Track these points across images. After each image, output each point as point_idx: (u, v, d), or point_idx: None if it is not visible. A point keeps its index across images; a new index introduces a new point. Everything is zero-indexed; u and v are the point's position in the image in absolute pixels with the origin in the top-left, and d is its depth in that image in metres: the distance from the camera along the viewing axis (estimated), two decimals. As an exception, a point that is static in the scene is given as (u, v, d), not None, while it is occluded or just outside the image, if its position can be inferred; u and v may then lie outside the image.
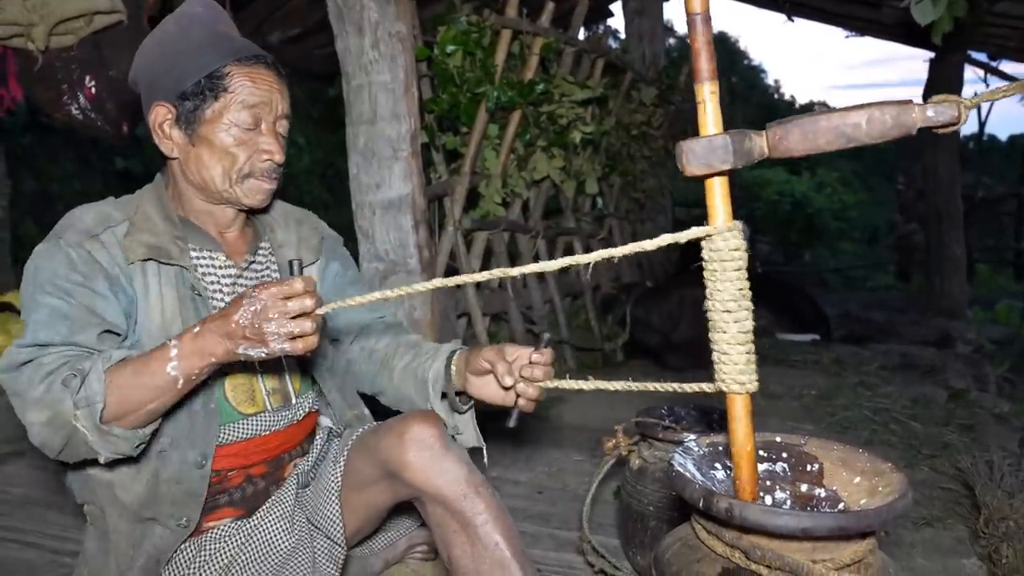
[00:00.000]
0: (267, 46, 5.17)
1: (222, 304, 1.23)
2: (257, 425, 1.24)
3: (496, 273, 1.04)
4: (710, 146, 0.85)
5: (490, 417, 1.35)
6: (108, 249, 1.14)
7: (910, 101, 0.83)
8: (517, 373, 1.17)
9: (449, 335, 2.89)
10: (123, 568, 1.17)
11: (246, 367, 1.23)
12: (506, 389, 1.20)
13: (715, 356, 0.92)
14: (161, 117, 1.18)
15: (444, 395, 1.31)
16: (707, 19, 0.85)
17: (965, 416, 2.83)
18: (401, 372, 1.36)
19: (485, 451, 1.33)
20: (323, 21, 2.79)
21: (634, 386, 1.06)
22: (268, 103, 1.19)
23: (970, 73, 6.01)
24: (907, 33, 4.92)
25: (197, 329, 1.01)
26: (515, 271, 1.02)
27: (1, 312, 3.14)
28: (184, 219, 1.24)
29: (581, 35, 3.90)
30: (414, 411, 1.21)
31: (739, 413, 0.93)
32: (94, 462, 1.08)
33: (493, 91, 2.86)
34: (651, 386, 1.06)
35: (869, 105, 0.84)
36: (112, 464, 1.11)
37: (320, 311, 1.02)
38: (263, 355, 1.00)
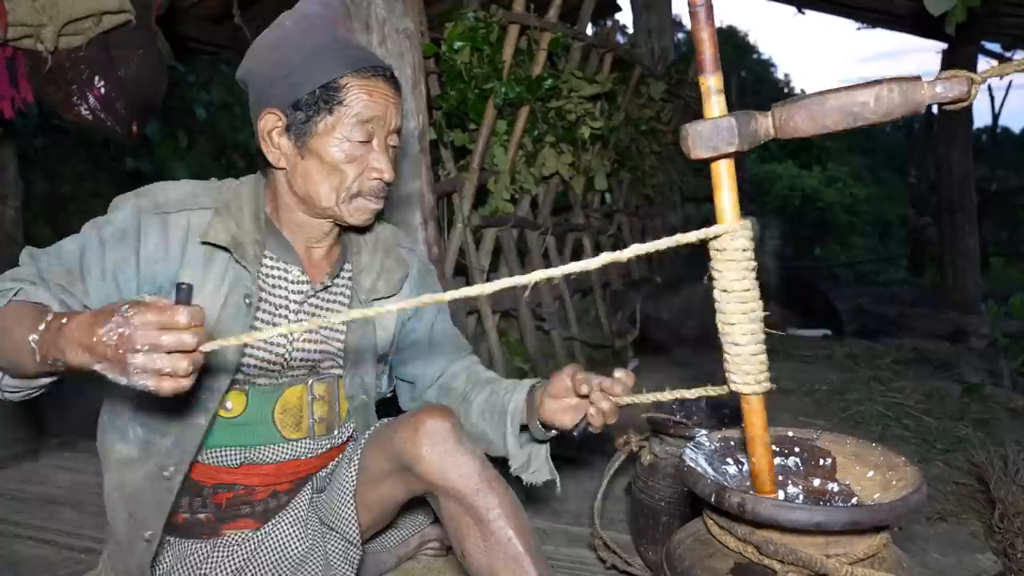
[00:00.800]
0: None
1: (277, 321, 1.20)
2: (297, 450, 1.24)
3: (516, 280, 1.00)
4: (716, 128, 0.83)
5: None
6: (168, 231, 1.12)
7: (919, 77, 0.80)
8: (595, 386, 1.17)
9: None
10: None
11: (300, 396, 1.23)
12: (581, 397, 1.19)
13: (726, 358, 0.90)
14: (271, 125, 1.15)
15: (523, 428, 1.30)
16: (710, 9, 0.83)
17: (979, 411, 2.81)
18: (479, 407, 1.34)
19: (558, 482, 1.33)
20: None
21: (691, 393, 1.07)
22: (383, 118, 1.15)
23: (984, 64, 5.93)
24: (920, 24, 4.88)
25: (65, 320, 0.90)
26: (536, 275, 0.97)
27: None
28: (271, 224, 1.21)
29: (589, 30, 3.89)
30: (428, 405, 1.20)
31: (753, 413, 0.91)
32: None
33: (501, 87, 2.86)
34: (678, 394, 1.09)
35: (877, 82, 0.81)
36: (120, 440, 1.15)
37: (204, 348, 0.88)
38: (123, 383, 0.86)
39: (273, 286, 1.20)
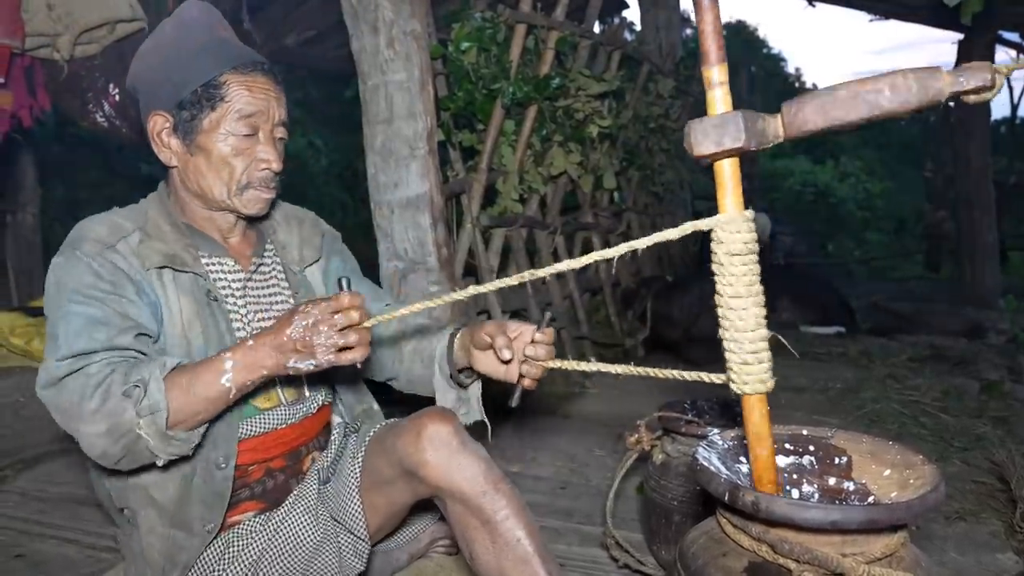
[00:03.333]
0: (283, 49, 5.22)
1: (236, 309, 1.24)
2: (273, 419, 1.26)
3: (525, 275, 1.01)
4: (721, 123, 0.81)
5: (501, 409, 1.35)
6: (126, 259, 1.15)
7: (938, 68, 0.77)
8: (520, 351, 1.20)
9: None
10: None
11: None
12: (505, 363, 1.22)
13: (726, 355, 0.89)
14: (159, 126, 1.19)
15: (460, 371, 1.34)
16: (715, 2, 0.82)
17: (998, 408, 2.77)
18: (410, 354, 1.40)
19: (489, 428, 1.35)
20: (338, 22, 2.80)
21: (636, 370, 1.06)
22: (265, 112, 1.19)
23: (1001, 55, 5.86)
24: (934, 15, 4.82)
25: (251, 343, 1.05)
26: (544, 271, 1.00)
27: (34, 317, 3.20)
28: (190, 226, 1.25)
29: (596, 28, 3.88)
30: (430, 409, 1.21)
31: (754, 413, 0.90)
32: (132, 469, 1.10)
33: (508, 87, 2.86)
34: (652, 371, 1.06)
35: (892, 73, 0.77)
36: (147, 467, 1.11)
37: (367, 324, 1.06)
38: (311, 367, 1.04)
39: (217, 279, 1.24)
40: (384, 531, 1.32)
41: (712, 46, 0.82)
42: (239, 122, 1.17)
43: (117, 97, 2.93)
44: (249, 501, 1.25)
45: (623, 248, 0.92)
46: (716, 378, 0.94)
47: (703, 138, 0.82)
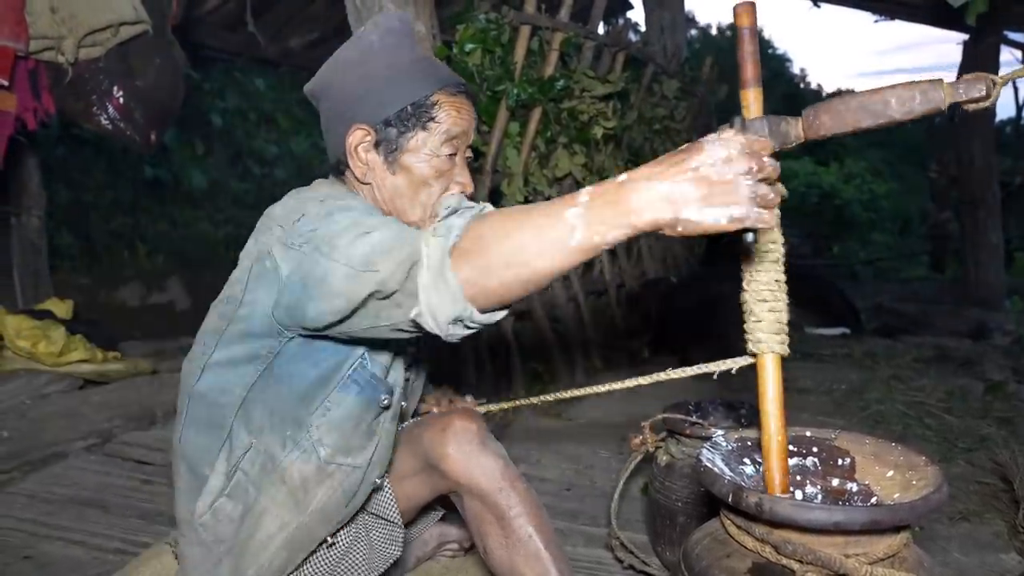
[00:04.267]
0: (287, 51, 5.25)
1: None
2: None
3: None
4: (748, 127, 0.88)
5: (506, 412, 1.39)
6: None
7: (940, 80, 0.85)
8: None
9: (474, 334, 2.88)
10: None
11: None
12: None
13: (748, 319, 0.99)
14: (359, 140, 1.16)
15: None
16: (754, 32, 0.92)
17: (1003, 409, 2.77)
18: None
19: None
20: (342, 24, 2.81)
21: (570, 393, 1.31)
22: (467, 133, 1.18)
23: (1007, 55, 5.85)
24: (939, 15, 4.80)
25: (622, 177, 0.77)
26: None
27: (42, 319, 3.22)
28: None
29: (601, 29, 3.88)
30: (457, 408, 1.24)
31: (770, 375, 0.97)
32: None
33: (513, 88, 2.86)
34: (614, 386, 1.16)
35: (899, 85, 0.86)
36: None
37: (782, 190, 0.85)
38: (729, 220, 0.73)
39: None
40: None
41: (750, 71, 0.94)
42: (445, 144, 1.15)
43: (121, 99, 2.94)
44: None
45: None
46: (742, 361, 1.03)
47: None
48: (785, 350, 0.97)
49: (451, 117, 1.15)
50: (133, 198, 5.94)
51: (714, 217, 0.73)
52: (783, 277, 0.99)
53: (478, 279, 0.81)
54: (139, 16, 2.78)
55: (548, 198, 3.42)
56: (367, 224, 0.94)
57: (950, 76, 0.91)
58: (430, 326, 0.86)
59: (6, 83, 2.65)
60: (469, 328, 0.87)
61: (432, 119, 1.14)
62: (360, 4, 2.51)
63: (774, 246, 0.98)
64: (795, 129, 0.91)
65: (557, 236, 0.77)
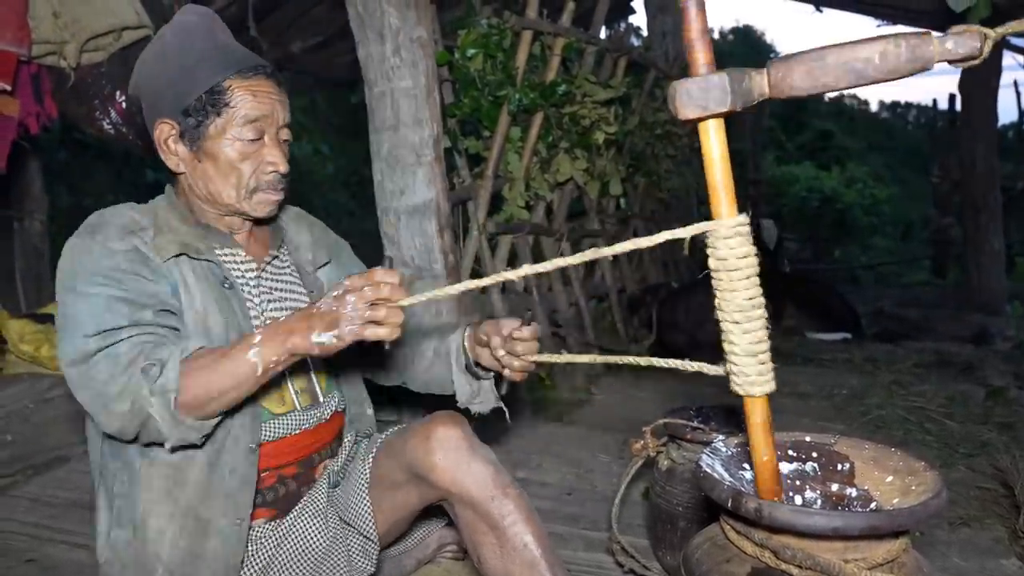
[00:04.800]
0: (289, 55, 5.25)
1: (250, 298, 1.25)
2: (287, 425, 1.26)
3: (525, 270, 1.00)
4: (706, 85, 0.78)
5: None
6: (145, 246, 1.16)
7: (928, 32, 0.76)
8: (502, 347, 1.27)
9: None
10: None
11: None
12: (498, 359, 1.29)
13: (727, 356, 0.89)
14: (165, 134, 1.20)
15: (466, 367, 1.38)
16: (702, 6, 0.80)
17: (1004, 414, 2.76)
18: (432, 357, 1.44)
19: (507, 412, 1.40)
20: (344, 29, 2.82)
21: (617, 359, 1.15)
22: (270, 115, 1.20)
23: (1009, 59, 5.84)
24: (941, 20, 4.80)
25: (281, 320, 1.07)
26: (542, 267, 1.00)
27: (43, 323, 3.22)
28: (199, 222, 1.26)
29: (603, 34, 3.89)
30: (439, 413, 1.22)
31: (755, 415, 0.90)
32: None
33: (515, 94, 2.87)
34: (634, 359, 1.14)
35: (882, 38, 0.76)
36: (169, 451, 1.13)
37: (402, 302, 1.03)
38: (334, 341, 1.01)
39: (231, 269, 1.25)
40: (392, 536, 1.33)
41: (700, 56, 0.81)
42: (245, 127, 1.18)
43: (123, 104, 2.94)
44: (260, 508, 1.25)
45: (617, 248, 0.93)
46: (714, 369, 0.94)
47: (688, 100, 0.80)
48: (768, 389, 0.87)
49: (247, 101, 1.17)
50: (135, 201, 5.94)
51: (327, 339, 1.01)
52: (760, 301, 0.87)
53: (201, 413, 1.06)
54: (141, 21, 2.79)
55: (549, 203, 3.44)
56: (109, 350, 1.06)
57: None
58: (180, 444, 1.09)
59: (9, 88, 2.65)
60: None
61: (227, 104, 1.17)
62: (362, 9, 2.52)
63: (744, 261, 0.85)
64: (759, 84, 0.80)
65: (245, 374, 1.04)
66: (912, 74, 0.76)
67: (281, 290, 1.31)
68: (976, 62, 0.76)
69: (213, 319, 1.17)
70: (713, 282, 0.87)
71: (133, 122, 2.97)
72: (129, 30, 2.80)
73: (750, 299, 0.86)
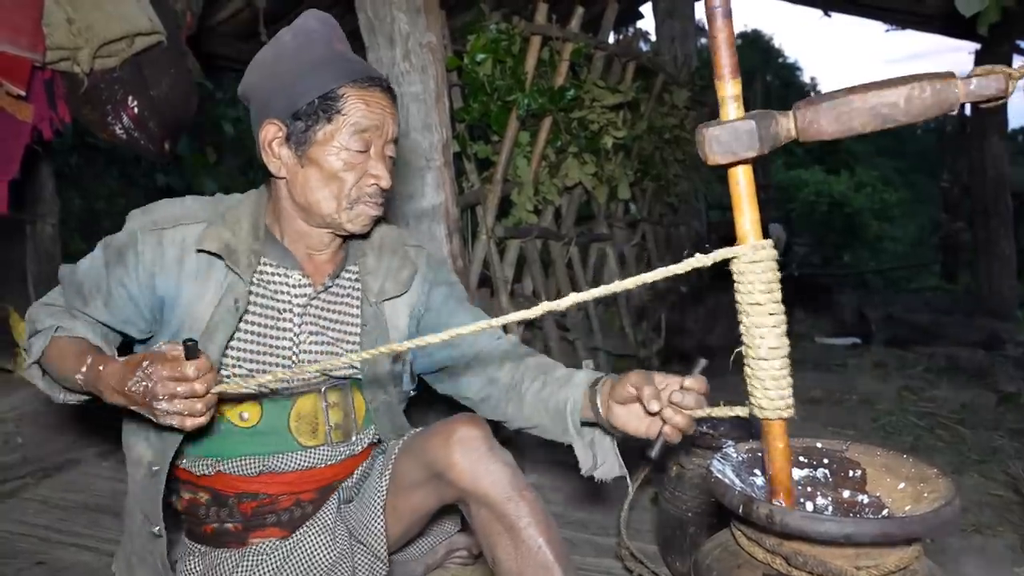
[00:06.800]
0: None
1: (280, 323, 1.22)
2: (315, 457, 1.25)
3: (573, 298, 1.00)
4: (735, 132, 0.80)
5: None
6: (163, 246, 1.17)
7: (952, 74, 0.77)
8: (666, 400, 1.08)
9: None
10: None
11: (314, 403, 1.25)
12: (651, 415, 1.10)
13: (748, 379, 0.89)
14: (271, 135, 1.17)
15: (584, 423, 1.26)
16: (728, 13, 0.81)
17: (1016, 420, 2.75)
18: (533, 400, 1.30)
19: (629, 479, 1.28)
20: (354, 34, 2.83)
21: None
22: (380, 127, 1.18)
23: (1019, 63, 5.81)
24: (951, 25, 4.79)
25: (101, 368, 1.07)
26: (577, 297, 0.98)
27: (52, 325, 3.25)
28: (269, 232, 1.23)
29: (611, 38, 3.89)
30: (460, 414, 1.22)
31: (775, 438, 0.90)
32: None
33: (523, 98, 2.87)
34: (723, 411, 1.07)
35: (907, 79, 0.77)
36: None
37: (215, 391, 1.04)
38: (156, 421, 1.04)
39: (274, 291, 1.22)
40: (405, 539, 1.33)
41: (725, 59, 0.81)
42: (353, 136, 1.15)
43: (135, 109, 2.97)
44: (274, 527, 1.26)
45: (650, 276, 0.92)
46: (740, 411, 0.94)
47: (717, 147, 0.82)
48: (788, 414, 0.88)
49: (359, 110, 1.15)
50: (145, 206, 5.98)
51: (149, 416, 1.04)
52: (784, 338, 0.87)
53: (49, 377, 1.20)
54: (154, 27, 2.81)
55: (558, 207, 3.44)
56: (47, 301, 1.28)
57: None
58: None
59: (23, 93, 2.68)
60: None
61: (338, 111, 1.14)
62: (372, 15, 2.54)
63: (769, 296, 0.85)
64: (786, 128, 0.81)
65: (74, 384, 1.13)
66: (939, 115, 0.77)
67: (329, 320, 1.26)
68: (1001, 102, 0.77)
69: (199, 327, 1.17)
70: (737, 306, 0.88)
71: (145, 127, 2.99)
72: (142, 36, 2.82)
73: (773, 325, 0.86)
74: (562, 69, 3.11)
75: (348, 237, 1.27)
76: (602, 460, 1.27)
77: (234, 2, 4.39)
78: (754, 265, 0.85)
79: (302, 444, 1.23)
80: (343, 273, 1.29)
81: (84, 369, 1.09)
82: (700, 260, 0.87)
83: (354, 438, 1.29)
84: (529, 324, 3.25)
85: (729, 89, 0.82)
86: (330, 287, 1.27)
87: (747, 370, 0.89)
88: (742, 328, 0.88)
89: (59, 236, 4.21)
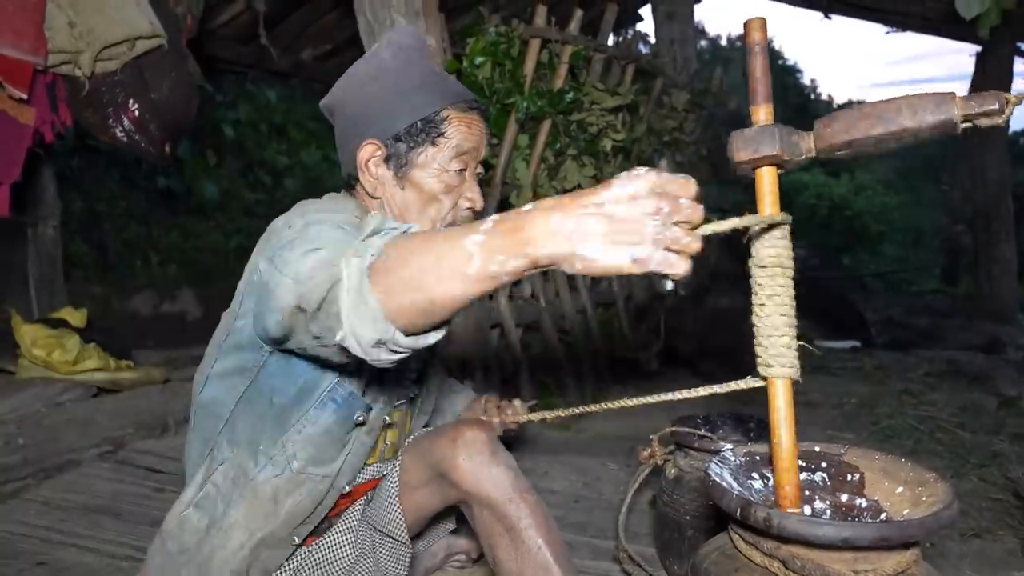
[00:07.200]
0: (299, 63, 5.30)
1: None
2: (370, 473, 1.28)
3: None
4: (759, 133, 0.90)
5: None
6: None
7: (952, 93, 0.83)
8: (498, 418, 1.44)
9: (483, 345, 2.90)
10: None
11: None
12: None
13: (758, 342, 0.95)
14: (369, 154, 1.17)
15: None
16: (764, 48, 0.93)
17: (1016, 424, 2.74)
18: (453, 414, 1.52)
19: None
20: (354, 37, 2.84)
21: (599, 407, 1.23)
22: (477, 149, 1.19)
23: (1020, 66, 5.83)
24: (951, 27, 4.80)
25: (529, 207, 0.72)
26: None
27: (56, 328, 3.25)
28: None
29: (610, 41, 3.90)
30: (465, 418, 1.25)
31: (779, 399, 0.94)
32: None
33: (523, 101, 2.88)
34: (630, 403, 1.16)
35: (906, 98, 0.85)
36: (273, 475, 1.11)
37: (705, 230, 0.74)
38: (629, 261, 0.68)
39: None
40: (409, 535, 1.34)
41: (761, 88, 0.93)
42: (455, 159, 1.15)
43: (137, 112, 2.97)
44: (311, 536, 1.26)
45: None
46: (752, 382, 0.97)
47: (743, 145, 0.91)
48: (796, 374, 0.94)
49: (461, 133, 1.16)
50: (146, 208, 6.00)
51: (614, 256, 0.68)
52: (792, 301, 0.94)
53: (391, 301, 0.76)
54: (155, 30, 2.82)
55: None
56: (324, 239, 0.90)
57: (964, 87, 0.87)
58: (355, 350, 0.80)
59: (25, 96, 2.69)
60: (395, 352, 0.80)
61: (441, 134, 1.15)
62: (372, 18, 2.54)
63: (783, 269, 0.91)
64: (806, 142, 0.92)
65: (455, 263, 0.73)
66: (937, 130, 0.84)
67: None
68: (999, 121, 0.83)
69: None
70: (751, 270, 0.94)
71: (146, 130, 2.99)
72: (143, 39, 2.83)
73: (781, 285, 0.93)
74: (561, 72, 3.11)
75: None
76: None
77: (234, 5, 4.41)
78: (768, 232, 0.92)
79: (367, 463, 1.26)
80: None
81: (487, 225, 0.72)
82: (740, 220, 0.84)
83: (399, 453, 1.32)
84: (528, 327, 3.25)
85: (762, 113, 0.94)
86: None
87: (756, 330, 0.95)
88: (754, 288, 0.94)
89: (60, 238, 4.22)
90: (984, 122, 0.83)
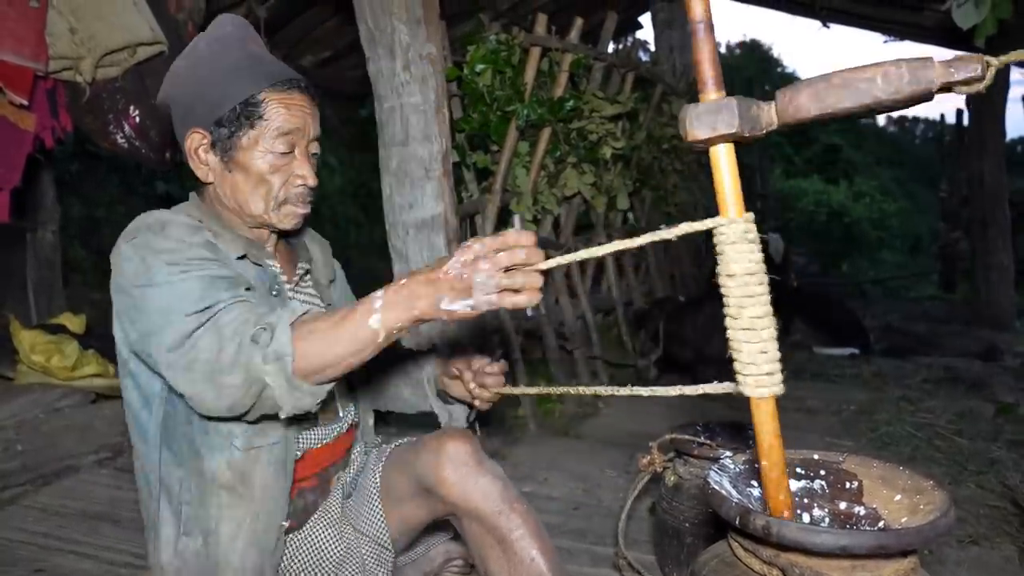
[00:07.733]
0: (300, 69, 5.30)
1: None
2: (311, 439, 1.26)
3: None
4: (715, 108, 0.81)
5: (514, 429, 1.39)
6: (213, 241, 1.15)
7: (930, 58, 0.77)
8: (479, 380, 1.32)
9: (484, 351, 2.90)
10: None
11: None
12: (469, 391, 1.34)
13: (734, 355, 0.88)
14: (196, 143, 1.19)
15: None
16: (710, 27, 0.82)
17: (1014, 432, 2.75)
18: (396, 377, 1.48)
19: (478, 429, 1.49)
20: (354, 44, 2.85)
21: (581, 390, 1.14)
22: (302, 128, 1.20)
23: (1016, 75, 5.87)
24: (948, 37, 4.82)
25: (403, 281, 0.97)
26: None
27: (55, 334, 3.25)
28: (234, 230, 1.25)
29: (610, 49, 3.92)
30: (449, 428, 1.24)
31: (763, 416, 0.88)
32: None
33: (523, 109, 2.89)
34: (604, 390, 1.08)
35: (885, 62, 0.78)
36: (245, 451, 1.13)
37: (541, 266, 0.96)
38: (468, 309, 0.95)
39: (275, 277, 1.26)
40: (397, 548, 1.34)
41: (708, 72, 0.84)
42: (277, 140, 1.17)
43: (137, 119, 2.98)
44: (289, 518, 1.26)
45: (640, 240, 0.97)
46: (727, 387, 0.92)
47: (697, 123, 0.83)
48: (775, 383, 0.86)
49: (280, 114, 1.17)
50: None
51: (459, 307, 0.95)
52: (767, 308, 0.86)
53: (320, 378, 1.00)
54: (156, 37, 2.83)
55: (557, 217, 3.46)
56: (195, 331, 1.00)
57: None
58: (293, 413, 1.02)
59: (26, 102, 2.70)
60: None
61: (260, 117, 1.16)
62: (372, 25, 2.56)
63: (746, 267, 0.86)
64: (767, 114, 0.84)
65: (366, 341, 0.97)
66: (914, 99, 0.77)
67: (312, 305, 1.29)
68: (980, 87, 0.77)
69: None
70: (720, 280, 0.88)
71: (146, 136, 3.00)
72: (144, 46, 2.84)
73: (758, 294, 0.86)
74: (561, 80, 3.13)
75: (284, 233, 1.30)
76: (456, 416, 1.52)
77: (235, 11, 4.42)
78: (730, 234, 0.86)
79: (319, 420, 1.25)
80: (300, 264, 1.34)
81: (379, 304, 0.96)
82: (690, 226, 0.87)
83: (340, 414, 1.31)
84: (528, 334, 3.26)
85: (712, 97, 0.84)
86: (304, 275, 1.32)
87: (731, 345, 0.88)
88: (726, 301, 0.88)
89: (59, 244, 4.22)
90: (962, 90, 0.78)
